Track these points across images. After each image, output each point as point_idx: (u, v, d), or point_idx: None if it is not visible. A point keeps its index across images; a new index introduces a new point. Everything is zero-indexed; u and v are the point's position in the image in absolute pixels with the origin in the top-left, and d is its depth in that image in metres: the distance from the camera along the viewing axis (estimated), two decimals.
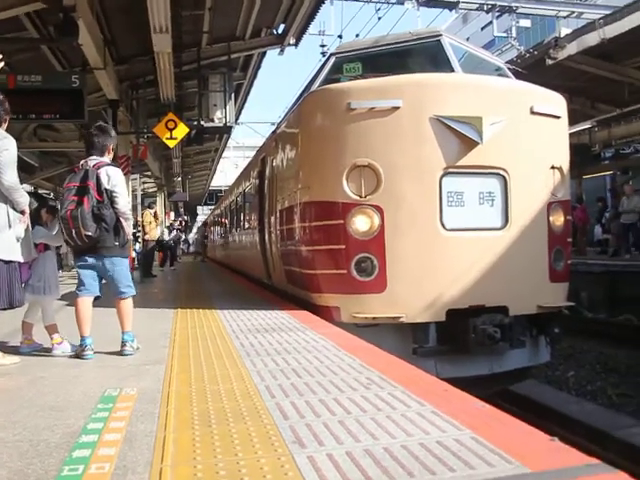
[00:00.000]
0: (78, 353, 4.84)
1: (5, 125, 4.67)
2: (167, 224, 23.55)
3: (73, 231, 4.70)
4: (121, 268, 5.01)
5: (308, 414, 3.03)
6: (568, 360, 10.17)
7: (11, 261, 4.51)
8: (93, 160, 4.93)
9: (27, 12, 10.04)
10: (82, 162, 4.99)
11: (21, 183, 4.66)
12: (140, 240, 16.19)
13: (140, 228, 16.17)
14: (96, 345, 4.95)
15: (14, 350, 5.06)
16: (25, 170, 19.30)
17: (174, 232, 22.33)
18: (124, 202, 4.91)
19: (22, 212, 4.61)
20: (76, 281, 5.08)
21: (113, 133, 5.27)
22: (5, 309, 4.55)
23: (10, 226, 4.47)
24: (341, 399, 3.29)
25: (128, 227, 5.01)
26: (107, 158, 5.07)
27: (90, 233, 4.69)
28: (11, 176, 4.39)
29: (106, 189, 4.78)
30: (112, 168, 4.94)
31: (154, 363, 4.45)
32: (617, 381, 8.84)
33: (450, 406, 3.09)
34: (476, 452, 2.44)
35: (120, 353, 4.87)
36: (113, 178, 4.84)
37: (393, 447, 2.53)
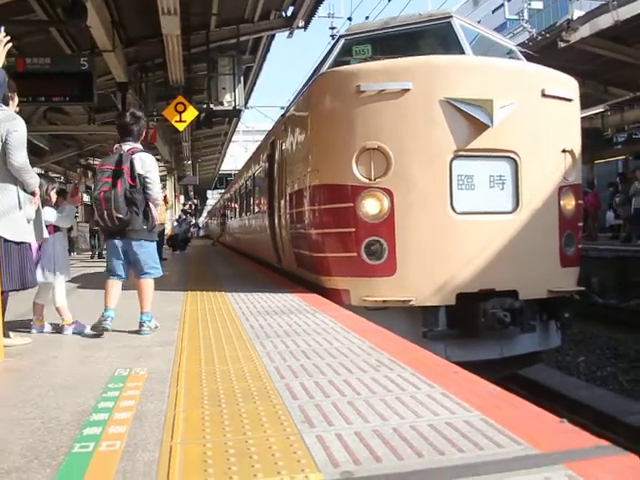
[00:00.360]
0: (97, 323, 4.93)
1: (14, 105, 4.67)
2: (176, 217, 23.34)
3: (105, 212, 4.86)
4: (148, 250, 5.18)
5: (317, 395, 3.04)
6: (578, 345, 10.15)
7: (22, 242, 4.53)
8: (127, 145, 5.06)
9: None
10: (116, 145, 5.14)
11: (31, 166, 4.67)
12: None
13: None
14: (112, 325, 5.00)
15: (26, 330, 5.13)
16: (35, 153, 19.36)
17: (184, 224, 22.24)
18: (157, 189, 5.09)
19: (32, 193, 4.62)
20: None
21: (144, 118, 5.40)
22: (17, 290, 4.59)
23: (21, 207, 4.48)
24: (350, 380, 3.30)
25: (157, 212, 5.20)
26: (139, 144, 5.22)
27: (121, 215, 4.85)
28: (21, 157, 4.39)
29: (139, 174, 4.93)
30: (146, 154, 5.10)
31: (164, 344, 4.48)
32: (627, 367, 8.81)
33: (460, 388, 3.09)
34: (485, 433, 2.44)
35: (138, 332, 4.99)
36: (147, 164, 4.99)
37: (402, 428, 2.54)
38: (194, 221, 39.14)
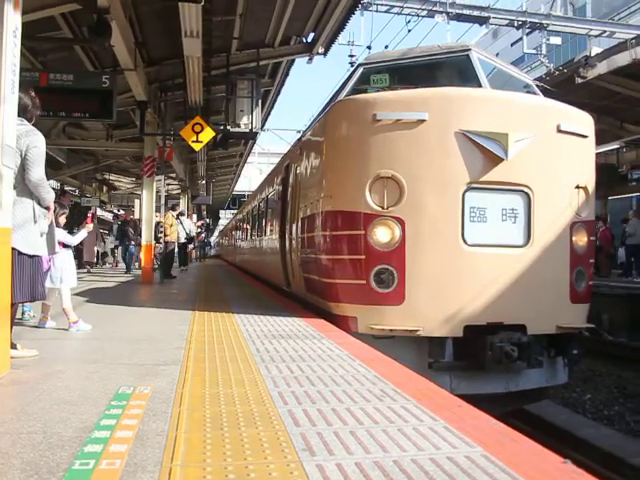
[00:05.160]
0: None
1: (34, 120, 4.76)
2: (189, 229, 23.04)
3: None
4: None
5: (320, 422, 3.03)
6: (586, 382, 10.03)
7: (35, 255, 4.58)
8: None
9: (62, 12, 10.21)
10: None
11: (48, 179, 4.75)
12: (162, 241, 16.31)
13: (162, 229, 16.29)
14: (114, 343, 5.03)
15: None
16: (52, 166, 19.56)
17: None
18: None
19: (47, 208, 4.70)
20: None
21: None
22: (27, 302, 4.66)
23: (35, 221, 4.55)
24: (354, 409, 3.28)
25: None
26: None
27: None
28: (39, 172, 4.47)
29: None
30: None
31: (169, 364, 4.48)
32: (636, 407, 8.68)
33: (463, 422, 3.07)
34: (486, 470, 2.41)
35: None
36: None
37: (403, 460, 2.52)
38: (206, 239, 39.49)
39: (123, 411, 3.18)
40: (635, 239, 18.20)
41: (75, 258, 7.52)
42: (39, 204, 4.60)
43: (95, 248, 21.09)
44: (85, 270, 19.58)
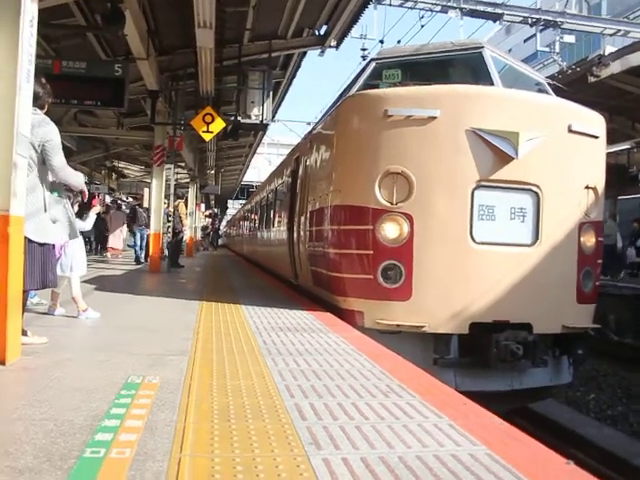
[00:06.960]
0: None
1: (46, 108, 4.80)
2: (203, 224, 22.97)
3: None
4: None
5: (326, 417, 3.07)
6: (590, 382, 10.05)
7: (46, 243, 4.63)
8: None
9: (76, 0, 10.24)
10: None
11: None
12: (170, 231, 16.34)
13: (172, 219, 16.32)
14: (123, 332, 5.08)
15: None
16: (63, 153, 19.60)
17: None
18: None
19: (81, 192, 4.82)
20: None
21: None
22: (38, 289, 4.70)
23: (46, 209, 4.59)
24: (359, 404, 3.32)
25: None
26: None
27: None
28: (59, 160, 4.57)
29: None
30: None
31: (177, 354, 4.52)
32: (639, 408, 8.70)
33: (467, 420, 3.10)
34: (489, 468, 2.45)
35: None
36: None
37: (407, 456, 2.55)
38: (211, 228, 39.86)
39: (132, 400, 3.22)
40: (611, 239, 18.41)
41: (86, 244, 7.57)
42: (50, 192, 4.65)
43: (120, 234, 21.10)
44: (106, 256, 19.78)
